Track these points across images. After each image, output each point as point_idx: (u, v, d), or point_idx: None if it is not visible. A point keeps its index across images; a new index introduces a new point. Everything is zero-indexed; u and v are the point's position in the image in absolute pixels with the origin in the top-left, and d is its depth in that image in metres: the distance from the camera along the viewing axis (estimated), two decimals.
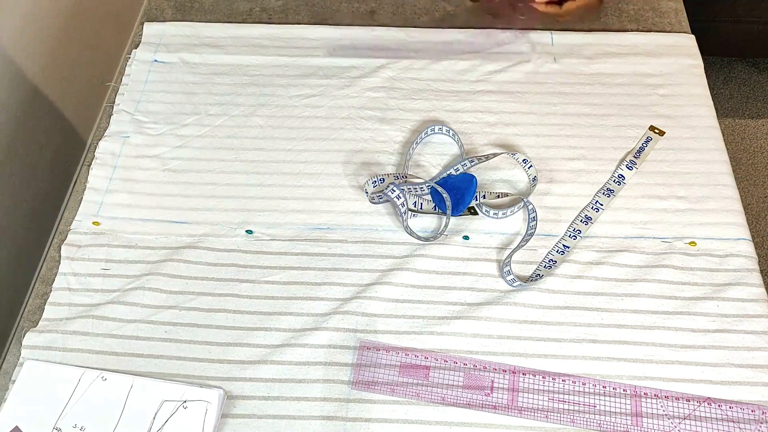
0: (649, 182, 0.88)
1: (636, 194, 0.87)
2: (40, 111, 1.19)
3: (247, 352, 0.76)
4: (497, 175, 0.89)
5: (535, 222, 0.84)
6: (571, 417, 0.71)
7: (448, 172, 0.88)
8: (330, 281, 0.81)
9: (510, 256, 0.81)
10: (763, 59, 1.85)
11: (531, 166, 0.88)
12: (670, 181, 0.89)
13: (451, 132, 0.92)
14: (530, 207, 0.84)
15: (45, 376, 0.73)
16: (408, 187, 0.85)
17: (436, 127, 0.93)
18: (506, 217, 0.85)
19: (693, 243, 0.83)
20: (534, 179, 0.88)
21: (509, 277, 0.80)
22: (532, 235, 0.83)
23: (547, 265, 0.82)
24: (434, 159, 0.91)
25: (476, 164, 0.89)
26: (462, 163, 0.88)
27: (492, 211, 0.85)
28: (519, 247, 0.82)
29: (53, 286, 0.80)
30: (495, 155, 0.89)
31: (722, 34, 1.69)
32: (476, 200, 0.85)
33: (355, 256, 0.83)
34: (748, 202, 1.59)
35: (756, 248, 0.83)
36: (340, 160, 0.91)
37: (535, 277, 0.80)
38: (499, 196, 0.87)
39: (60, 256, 0.83)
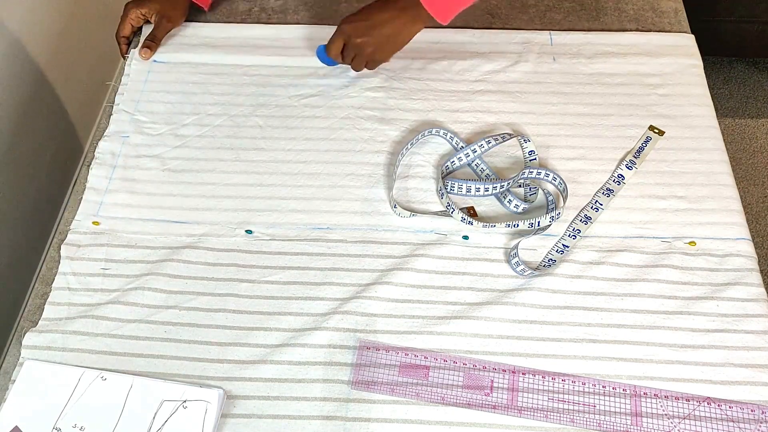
0: (649, 182, 0.88)
1: (636, 194, 0.87)
2: (41, 111, 1.19)
3: (246, 352, 0.76)
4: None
5: (556, 213, 0.84)
6: (571, 417, 0.71)
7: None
8: (330, 281, 0.81)
9: (516, 246, 0.81)
10: (763, 59, 1.85)
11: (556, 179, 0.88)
12: (669, 180, 0.89)
13: (449, 135, 0.92)
14: (550, 198, 0.85)
15: (45, 376, 0.73)
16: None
17: (434, 130, 0.92)
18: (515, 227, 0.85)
19: (693, 243, 0.83)
20: (562, 188, 0.87)
21: (519, 268, 0.80)
22: (546, 226, 0.83)
23: (547, 264, 0.82)
24: (432, 158, 0.91)
25: (494, 146, 0.90)
26: (479, 144, 0.89)
27: (514, 203, 0.86)
28: (530, 233, 0.83)
29: (53, 285, 0.80)
30: (510, 136, 0.90)
31: (722, 34, 1.69)
32: (504, 186, 0.86)
33: (355, 256, 0.82)
34: (748, 202, 1.59)
35: (756, 248, 0.83)
36: (339, 160, 0.91)
37: (548, 263, 0.80)
38: (521, 185, 0.88)
39: (60, 256, 0.83)
